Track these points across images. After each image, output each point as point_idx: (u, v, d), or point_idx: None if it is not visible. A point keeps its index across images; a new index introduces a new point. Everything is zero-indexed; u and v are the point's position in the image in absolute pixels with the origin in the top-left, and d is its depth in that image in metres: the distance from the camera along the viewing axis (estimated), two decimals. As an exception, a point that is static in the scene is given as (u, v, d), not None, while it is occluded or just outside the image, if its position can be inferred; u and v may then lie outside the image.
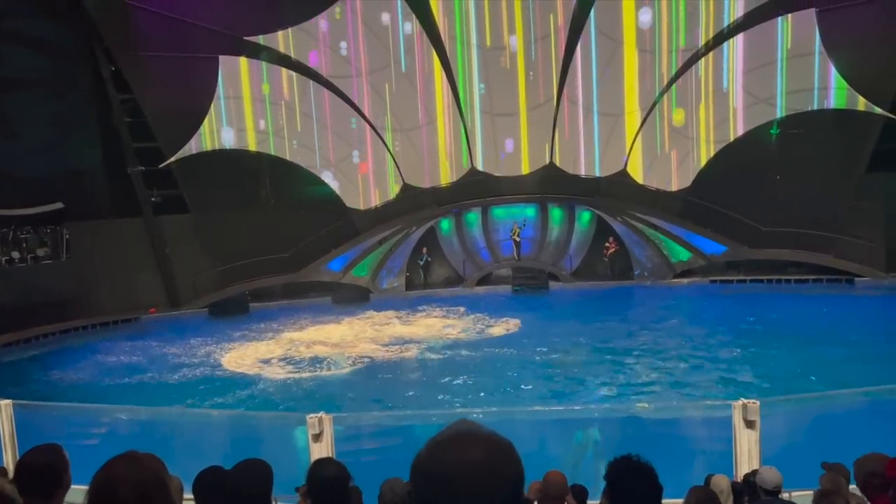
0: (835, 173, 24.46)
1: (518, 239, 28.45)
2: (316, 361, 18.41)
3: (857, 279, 24.31)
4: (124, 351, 20.75)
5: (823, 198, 24.36)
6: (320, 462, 3.61)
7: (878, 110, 24.00)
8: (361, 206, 28.79)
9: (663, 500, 2.74)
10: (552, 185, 28.67)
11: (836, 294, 23.42)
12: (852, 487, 5.01)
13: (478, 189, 28.95)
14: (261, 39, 26.95)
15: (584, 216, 28.79)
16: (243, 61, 26.93)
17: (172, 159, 25.62)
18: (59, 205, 23.94)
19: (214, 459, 3.89)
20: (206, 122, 26.47)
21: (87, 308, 23.93)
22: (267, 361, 18.66)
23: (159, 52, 24.71)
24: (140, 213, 25.86)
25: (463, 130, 29.11)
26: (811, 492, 5.05)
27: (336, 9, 27.79)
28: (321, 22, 27.74)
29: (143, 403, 13.49)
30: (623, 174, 28.51)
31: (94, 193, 25.38)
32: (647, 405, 12.62)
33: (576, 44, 28.18)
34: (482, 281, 28.26)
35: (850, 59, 24.48)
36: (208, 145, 26.60)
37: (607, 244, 27.71)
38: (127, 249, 25.17)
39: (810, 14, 25.10)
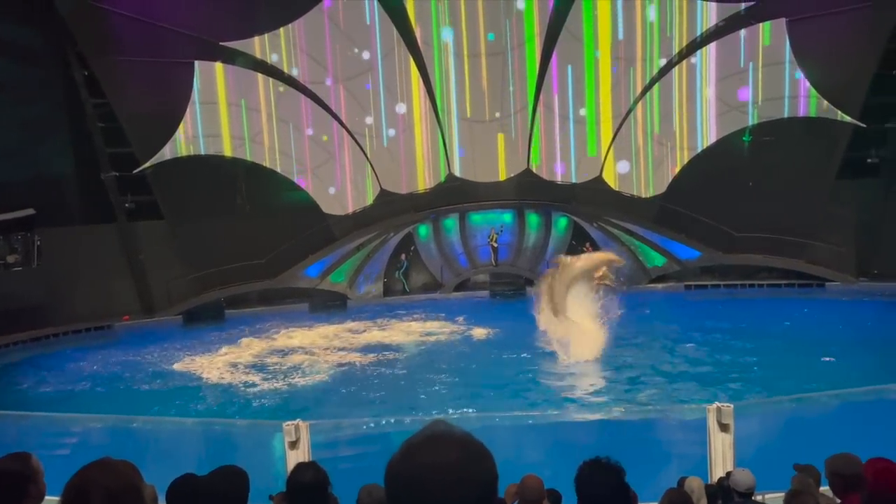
0: (806, 180, 24.91)
1: (495, 245, 28.54)
2: (292, 369, 18.28)
3: (827, 284, 24.75)
4: (97, 359, 20.44)
5: (795, 204, 24.78)
6: (300, 467, 3.59)
7: (847, 118, 24.52)
8: (338, 212, 28.70)
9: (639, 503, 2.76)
10: (529, 192, 28.83)
11: (808, 298, 23.79)
12: (824, 488, 5.11)
13: (455, 195, 29.01)
14: (237, 45, 26.81)
15: (561, 222, 28.96)
16: (219, 66, 26.74)
17: (146, 165, 25.35)
18: (31, 211, 23.55)
19: (189, 468, 3.86)
20: (181, 127, 26.23)
21: (59, 315, 23.53)
22: (242, 369, 18.49)
23: (134, 57, 24.46)
24: (113, 220, 25.53)
25: (440, 136, 29.17)
26: (784, 493, 5.13)
27: (313, 14, 27.71)
28: (298, 27, 27.65)
29: (116, 412, 13.31)
30: (599, 180, 28.77)
31: (66, 199, 25.03)
32: (622, 409, 12.73)
33: (552, 51, 28.41)
34: (460, 287, 28.29)
35: (819, 68, 24.98)
36: (183, 151, 26.35)
37: (584, 250, 27.84)
38: (100, 256, 24.83)
39: (781, 24, 25.60)
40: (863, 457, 4.14)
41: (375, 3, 28.10)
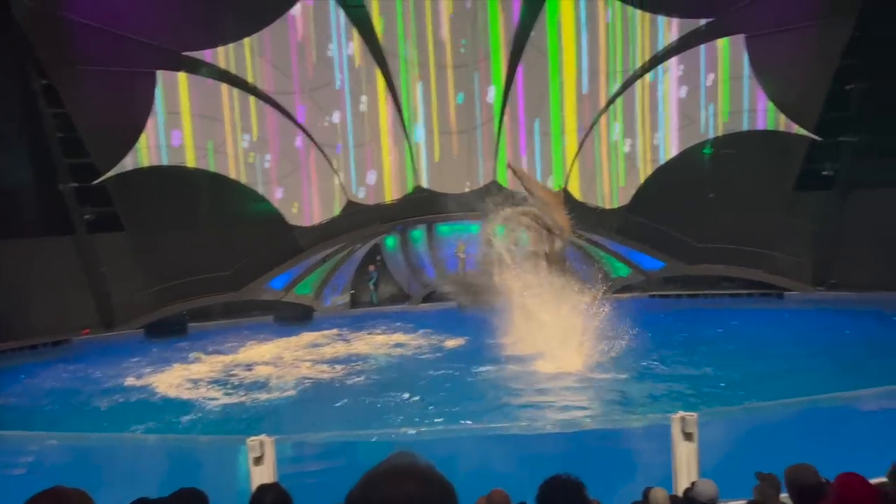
0: (765, 192, 25.51)
1: (463, 255, 28.60)
2: (257, 383, 18.03)
3: (786, 293, 25.33)
4: (55, 374, 19.90)
5: (754, 215, 25.35)
6: (261, 488, 3.54)
7: (803, 132, 25.20)
8: (304, 223, 28.50)
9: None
10: (496, 203, 28.94)
11: (767, 308, 24.30)
12: (784, 496, 5.20)
13: (422, 206, 29.04)
14: (201, 55, 26.54)
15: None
16: (182, 76, 26.42)
17: (107, 176, 24.88)
18: (-15, 222, 22.92)
19: (150, 487, 3.78)
20: (142, 137, 25.83)
21: (16, 330, 22.85)
22: (206, 383, 18.17)
23: (94, 66, 24.04)
24: (72, 232, 24.93)
25: (408, 147, 29.20)
26: (746, 501, 5.21)
27: (278, 25, 27.58)
28: (263, 38, 27.49)
29: (74, 430, 12.96)
30: (564, 192, 29.06)
31: (22, 210, 24.40)
32: (588, 420, 12.81)
33: (517, 63, 28.71)
34: (428, 298, 28.26)
35: (776, 82, 25.67)
36: (145, 161, 25.94)
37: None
38: (58, 269, 24.23)
39: (740, 39, 26.27)
40: (825, 463, 4.24)
41: (342, 14, 28.12)
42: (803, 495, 4.04)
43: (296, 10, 27.71)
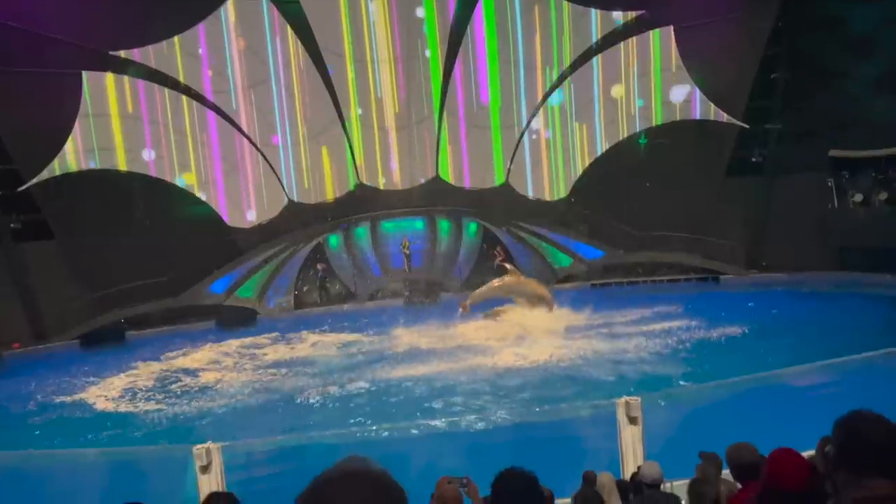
0: (698, 179, 26.28)
1: (408, 251, 28.55)
2: (201, 390, 17.59)
3: (721, 277, 26.20)
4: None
5: (689, 203, 26.10)
6: (212, 497, 3.47)
7: (733, 120, 26.05)
8: (243, 225, 27.96)
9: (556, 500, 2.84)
10: (438, 198, 29.06)
11: (705, 291, 25.07)
12: (725, 472, 5.39)
13: (365, 203, 28.86)
14: (129, 54, 25.68)
15: (471, 227, 29.34)
16: (109, 77, 25.54)
17: (33, 181, 23.86)
18: None
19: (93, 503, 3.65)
20: (69, 141, 24.86)
21: (-61, 347, 21.79)
22: (147, 393, 17.64)
23: (14, 68, 22.98)
24: (-2, 241, 23.86)
25: (347, 145, 28.95)
26: (689, 480, 5.38)
27: (210, 22, 26.91)
28: (195, 35, 26.78)
29: (6, 448, 12.40)
30: (506, 185, 29.37)
31: (-58, 221, 23.23)
32: (536, 409, 12.98)
33: (455, 57, 28.77)
34: (373, 295, 28.12)
35: (705, 72, 26.45)
36: (73, 166, 24.99)
37: (495, 253, 28.33)
38: (-17, 281, 23.15)
39: (669, 31, 26.95)
40: (764, 439, 4.40)
41: (276, 11, 27.63)
42: (743, 472, 4.21)
43: (227, 6, 27.10)
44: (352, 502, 1.34)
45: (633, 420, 8.62)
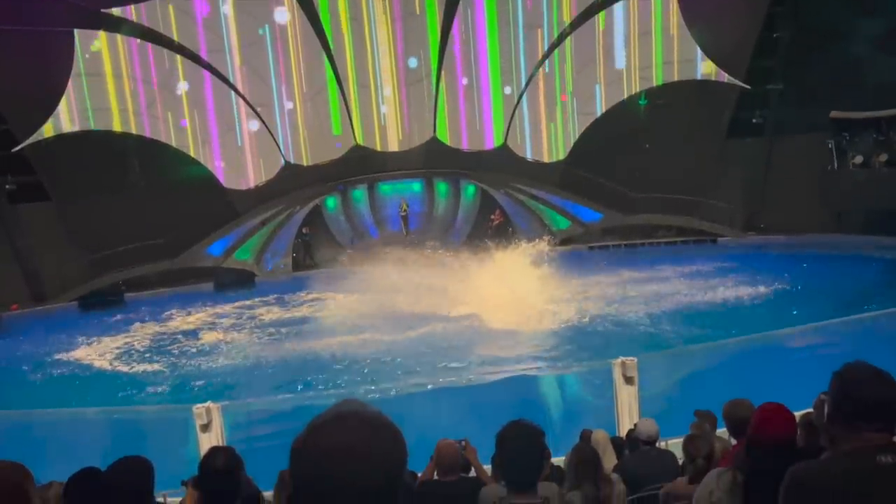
0: (698, 141, 26.09)
1: (405, 214, 28.47)
2: (200, 351, 17.70)
3: (719, 239, 26.21)
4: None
5: (688, 164, 25.95)
6: (212, 451, 3.50)
7: (734, 81, 25.76)
8: (240, 187, 27.80)
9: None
10: (436, 160, 28.84)
11: (703, 253, 25.07)
12: (721, 430, 5.45)
13: (362, 165, 28.65)
14: (121, 12, 25.20)
15: (469, 189, 29.21)
16: (103, 35, 25.10)
17: (27, 142, 23.64)
18: None
19: (95, 462, 3.68)
20: (63, 101, 24.55)
21: (-63, 309, 21.85)
22: (146, 353, 17.75)
23: (4, 27, 22.55)
24: (-7, 203, 23.75)
25: (345, 105, 28.59)
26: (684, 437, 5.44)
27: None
28: (187, -7, 26.24)
29: (8, 407, 12.52)
30: (504, 147, 29.12)
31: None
32: (535, 367, 13.09)
33: (453, 17, 28.26)
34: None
35: (707, 32, 26.04)
36: (67, 126, 24.72)
37: (493, 216, 28.32)
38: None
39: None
40: (761, 400, 4.44)
41: (269, -33, 27.02)
42: (739, 428, 4.25)
43: (221, -37, 26.51)
44: (348, 443, 1.33)
45: (629, 380, 8.70)
